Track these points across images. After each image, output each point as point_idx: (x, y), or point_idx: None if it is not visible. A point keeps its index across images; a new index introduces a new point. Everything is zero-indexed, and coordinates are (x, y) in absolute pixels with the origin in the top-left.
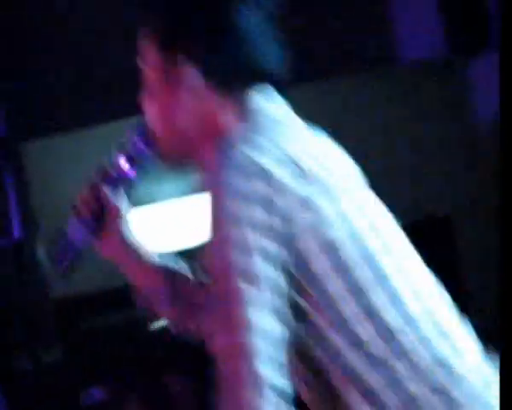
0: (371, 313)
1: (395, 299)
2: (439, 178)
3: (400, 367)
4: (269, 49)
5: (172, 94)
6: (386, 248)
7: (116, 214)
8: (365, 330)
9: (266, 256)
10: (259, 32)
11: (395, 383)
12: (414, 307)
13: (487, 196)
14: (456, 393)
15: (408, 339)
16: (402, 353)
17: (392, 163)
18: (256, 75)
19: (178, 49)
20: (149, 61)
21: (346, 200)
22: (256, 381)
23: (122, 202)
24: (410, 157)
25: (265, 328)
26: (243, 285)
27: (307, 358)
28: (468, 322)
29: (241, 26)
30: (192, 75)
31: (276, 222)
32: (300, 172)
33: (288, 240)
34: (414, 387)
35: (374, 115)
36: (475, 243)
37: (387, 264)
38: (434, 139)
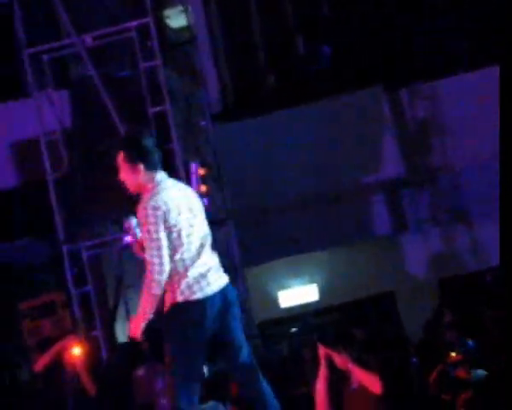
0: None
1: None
2: None
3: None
4: (158, 158)
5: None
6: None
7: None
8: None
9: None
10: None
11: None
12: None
13: None
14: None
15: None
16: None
17: None
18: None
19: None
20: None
21: (180, 211)
22: None
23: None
24: None
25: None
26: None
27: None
28: None
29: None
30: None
31: (159, 218)
32: (165, 204)
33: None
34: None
35: None
36: None
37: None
38: None
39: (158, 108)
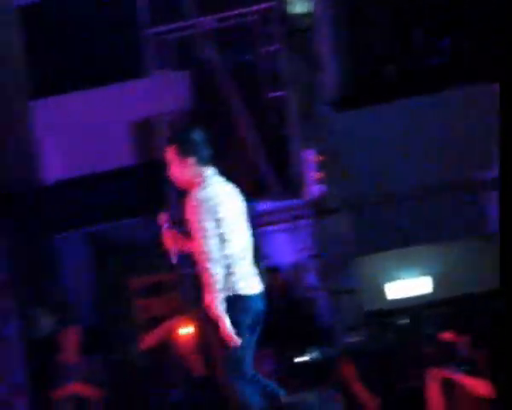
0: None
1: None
2: None
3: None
4: (208, 153)
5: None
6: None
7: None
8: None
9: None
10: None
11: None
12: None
13: None
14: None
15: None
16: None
17: None
18: (206, 163)
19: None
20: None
21: (228, 208)
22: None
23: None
24: None
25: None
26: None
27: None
28: None
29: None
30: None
31: (208, 210)
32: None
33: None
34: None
35: None
36: None
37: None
38: None
39: (276, 94)
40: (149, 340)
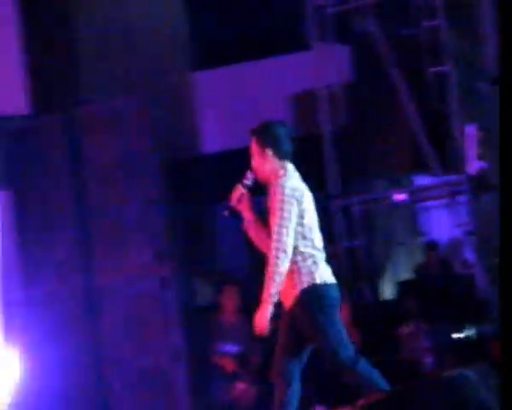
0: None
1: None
2: None
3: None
4: (288, 148)
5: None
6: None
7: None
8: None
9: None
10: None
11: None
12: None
13: None
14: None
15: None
16: (313, 246)
17: None
18: (284, 158)
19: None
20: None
21: (306, 201)
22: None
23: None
24: None
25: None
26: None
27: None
28: None
29: (283, 144)
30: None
31: (295, 198)
32: (299, 189)
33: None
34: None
35: None
36: None
37: (310, 228)
38: None
39: (437, 69)
40: None
